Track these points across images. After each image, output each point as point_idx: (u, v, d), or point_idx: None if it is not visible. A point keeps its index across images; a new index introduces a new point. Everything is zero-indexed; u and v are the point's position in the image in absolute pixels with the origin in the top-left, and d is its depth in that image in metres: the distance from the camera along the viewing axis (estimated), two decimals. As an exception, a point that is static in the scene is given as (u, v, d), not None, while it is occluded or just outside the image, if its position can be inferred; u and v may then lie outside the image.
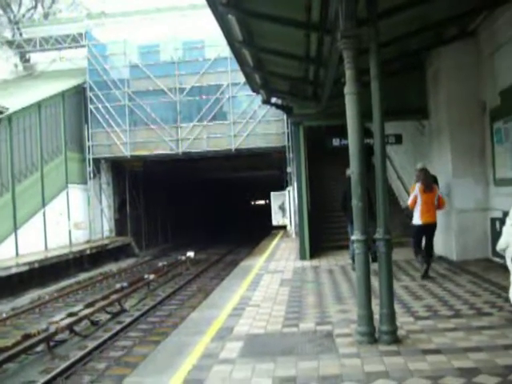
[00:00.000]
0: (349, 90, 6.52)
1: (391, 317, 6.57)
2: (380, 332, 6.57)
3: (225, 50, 25.12)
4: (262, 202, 65.15)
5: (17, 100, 24.18)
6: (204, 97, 27.57)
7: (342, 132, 12.33)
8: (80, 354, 10.42)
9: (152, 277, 18.54)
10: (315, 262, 14.40)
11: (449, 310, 8.07)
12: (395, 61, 12.78)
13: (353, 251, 9.68)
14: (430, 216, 11.04)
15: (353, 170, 6.52)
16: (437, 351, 6.09)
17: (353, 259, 11.51)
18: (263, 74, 13.53)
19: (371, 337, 6.53)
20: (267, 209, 30.53)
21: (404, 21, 9.70)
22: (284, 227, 26.83)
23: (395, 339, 6.51)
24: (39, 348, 10.96)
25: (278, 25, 9.40)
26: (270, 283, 11.52)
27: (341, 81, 8.47)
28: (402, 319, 7.46)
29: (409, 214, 12.11)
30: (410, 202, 11.17)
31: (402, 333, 6.82)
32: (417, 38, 11.66)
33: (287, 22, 9.29)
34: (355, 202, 6.49)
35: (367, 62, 6.82)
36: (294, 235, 22.64)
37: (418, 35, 11.25)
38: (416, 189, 11.07)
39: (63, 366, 9.70)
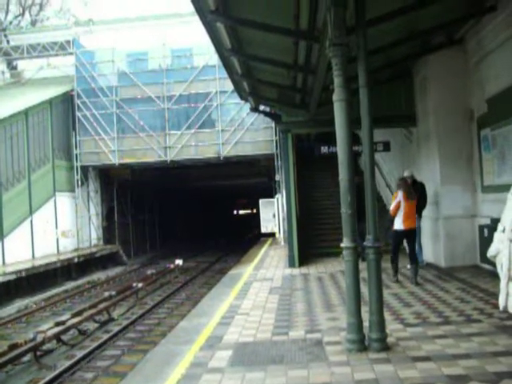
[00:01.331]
0: (337, 97, 6.52)
1: (381, 324, 6.57)
2: (370, 339, 6.56)
3: (213, 58, 25.20)
4: (251, 209, 65.21)
5: (4, 107, 24.04)
6: (192, 104, 27.55)
7: (331, 139, 12.42)
8: (67, 363, 10.32)
9: (140, 285, 18.44)
10: (304, 270, 14.38)
11: (438, 316, 8.08)
12: (383, 68, 12.85)
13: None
14: (412, 222, 11.37)
15: (342, 177, 6.51)
16: (427, 358, 6.08)
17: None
18: (251, 82, 13.55)
19: (361, 344, 6.52)
20: (256, 216, 30.41)
21: (392, 29, 9.77)
22: (273, 234, 26.80)
23: (385, 347, 6.50)
24: (26, 358, 10.84)
25: (267, 33, 9.43)
26: (259, 291, 11.49)
27: (329, 88, 8.50)
28: (392, 326, 7.45)
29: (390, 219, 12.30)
30: (392, 208, 11.36)
31: (392, 340, 6.81)
32: (404, 46, 11.73)
33: (276, 30, 9.31)
34: (344, 210, 6.49)
35: (355, 70, 6.84)
36: (282, 242, 22.63)
37: (405, 43, 11.33)
38: (399, 196, 11.25)
39: (50, 376, 9.60)
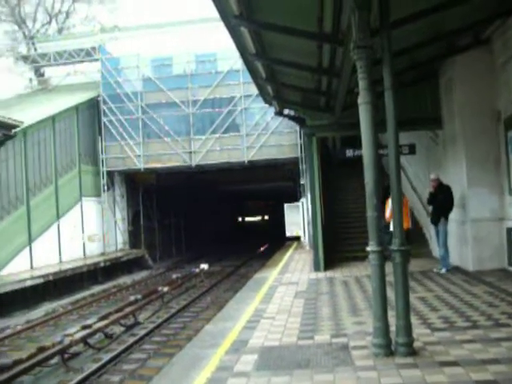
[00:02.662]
0: (362, 100, 6.49)
1: (407, 328, 6.49)
2: (396, 344, 6.49)
3: (237, 63, 25.28)
4: (275, 213, 65.19)
5: (31, 114, 24.39)
6: (217, 109, 27.65)
7: (356, 142, 12.40)
8: (94, 366, 10.40)
9: (166, 289, 18.52)
10: (330, 274, 14.32)
11: (466, 321, 7.97)
12: (408, 70, 12.76)
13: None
14: (406, 222, 12.35)
15: (367, 181, 6.47)
16: (454, 363, 5.99)
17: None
18: (276, 86, 13.55)
19: (387, 349, 6.45)
20: (281, 220, 30.32)
21: (417, 30, 9.69)
22: (298, 238, 26.74)
23: (412, 351, 6.43)
24: (54, 360, 10.95)
25: (291, 36, 9.43)
26: (284, 295, 11.46)
27: (354, 91, 8.48)
28: (419, 331, 7.36)
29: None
30: (389, 215, 11.86)
31: (419, 345, 6.73)
32: (430, 48, 11.63)
33: (300, 34, 9.30)
34: (370, 213, 6.44)
35: (380, 72, 6.79)
36: (307, 247, 22.57)
37: (430, 44, 11.23)
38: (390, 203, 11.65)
39: (78, 378, 9.67)
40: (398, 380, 5.61)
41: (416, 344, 6.62)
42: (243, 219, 69.99)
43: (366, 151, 6.53)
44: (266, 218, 65.47)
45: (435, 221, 13.18)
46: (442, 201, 12.94)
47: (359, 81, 6.56)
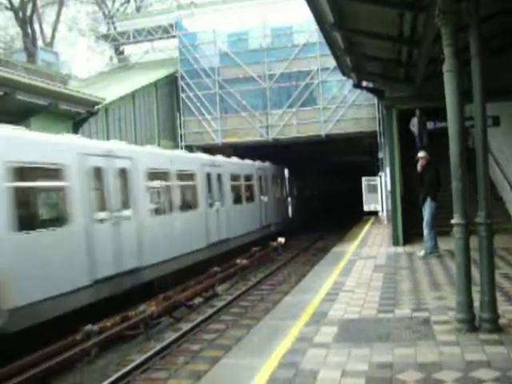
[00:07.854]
0: (448, 68, 6.27)
1: (492, 304, 6.32)
2: (480, 320, 6.33)
3: (313, 35, 24.95)
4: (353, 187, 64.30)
5: (112, 91, 25.01)
6: (293, 83, 27.45)
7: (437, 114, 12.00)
8: (175, 335, 10.66)
9: (244, 262, 18.72)
10: (408, 248, 14.09)
11: (555, 298, 7.68)
12: (496, 37, 12.16)
13: None
14: None
15: (452, 151, 6.28)
16: (542, 341, 5.80)
17: None
18: (354, 57, 13.29)
19: (471, 324, 6.31)
20: (359, 194, 29.94)
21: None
22: (376, 213, 26.42)
23: (497, 328, 6.26)
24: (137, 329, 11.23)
25: (371, 4, 9.18)
26: (362, 269, 11.39)
27: (435, 61, 8.20)
28: (503, 308, 7.15)
29: None
30: None
31: (504, 322, 6.55)
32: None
33: (380, 2, 9.05)
34: (455, 184, 6.26)
35: (466, 40, 6.53)
36: (385, 221, 22.25)
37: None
38: None
39: (159, 346, 9.94)
40: (483, 357, 5.48)
41: (501, 321, 6.44)
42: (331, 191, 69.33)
43: (452, 122, 6.33)
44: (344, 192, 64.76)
45: (421, 201, 12.69)
46: (428, 180, 12.49)
47: (444, 48, 6.34)
